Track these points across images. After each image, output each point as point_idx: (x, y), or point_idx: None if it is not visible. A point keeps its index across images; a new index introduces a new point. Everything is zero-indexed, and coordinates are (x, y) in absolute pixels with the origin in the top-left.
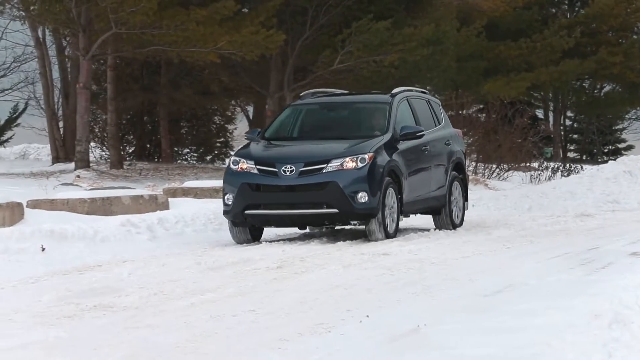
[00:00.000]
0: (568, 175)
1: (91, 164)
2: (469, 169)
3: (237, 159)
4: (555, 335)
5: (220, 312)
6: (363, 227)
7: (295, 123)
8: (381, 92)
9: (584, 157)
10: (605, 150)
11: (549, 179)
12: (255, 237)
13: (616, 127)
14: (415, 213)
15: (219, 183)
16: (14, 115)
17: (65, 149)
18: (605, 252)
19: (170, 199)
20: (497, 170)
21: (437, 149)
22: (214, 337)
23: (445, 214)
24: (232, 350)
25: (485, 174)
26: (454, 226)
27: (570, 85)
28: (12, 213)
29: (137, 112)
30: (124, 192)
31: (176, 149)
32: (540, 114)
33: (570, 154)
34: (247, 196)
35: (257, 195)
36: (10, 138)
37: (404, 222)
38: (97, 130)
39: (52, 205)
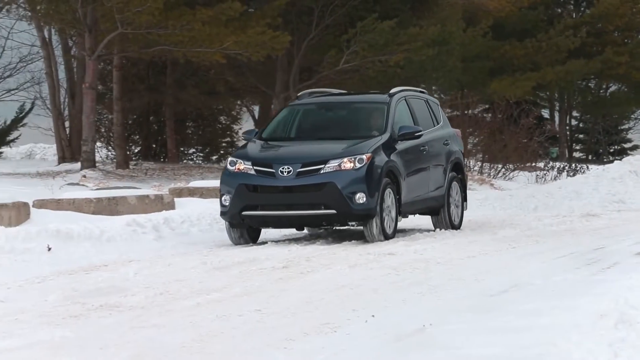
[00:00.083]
0: (574, 175)
1: (97, 164)
2: (474, 168)
3: (234, 159)
4: (561, 335)
5: (226, 311)
6: (361, 228)
7: (293, 123)
8: (379, 92)
9: (590, 157)
10: (611, 150)
11: (555, 178)
12: (252, 238)
13: (622, 127)
14: (414, 214)
15: None
16: (20, 115)
17: (72, 149)
18: (611, 252)
19: (176, 199)
20: (503, 170)
21: (436, 149)
22: (220, 337)
23: (444, 214)
24: (238, 349)
25: (491, 174)
26: (453, 227)
27: (576, 85)
28: (18, 213)
29: (143, 112)
30: (130, 192)
31: (182, 148)
32: (546, 113)
33: (576, 154)
34: (244, 197)
35: (254, 196)
36: (17, 138)
37: (411, 222)
38: (103, 130)
39: (58, 205)
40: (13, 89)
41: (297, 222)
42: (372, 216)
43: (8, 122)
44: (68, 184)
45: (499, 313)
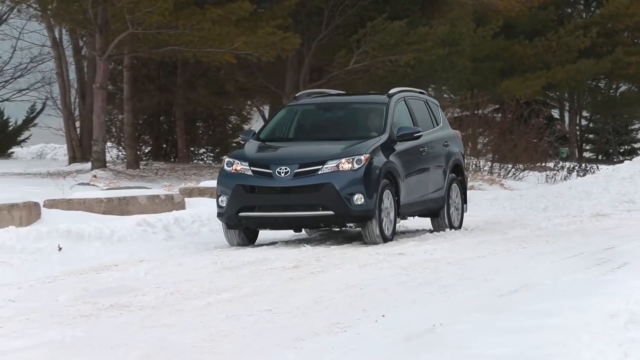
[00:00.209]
0: (584, 175)
1: (108, 164)
2: (484, 168)
3: (231, 160)
4: (571, 335)
5: (236, 311)
6: (359, 229)
7: (291, 124)
8: (378, 92)
9: (600, 157)
10: (621, 150)
11: (565, 178)
12: (250, 239)
13: (632, 127)
14: (413, 215)
15: None
16: (31, 116)
17: (82, 149)
18: (621, 252)
19: (186, 199)
20: (513, 170)
21: (435, 151)
22: (230, 337)
23: (443, 216)
24: (248, 349)
25: (501, 174)
26: (452, 229)
27: (586, 85)
28: (29, 213)
29: (154, 112)
30: (141, 192)
31: (192, 148)
32: (556, 114)
33: (586, 154)
34: (241, 198)
35: (251, 197)
36: (28, 138)
37: (420, 222)
38: (113, 130)
39: (68, 205)
40: (24, 89)
41: (294, 224)
42: (371, 217)
43: (19, 122)
44: (79, 184)
45: (509, 313)
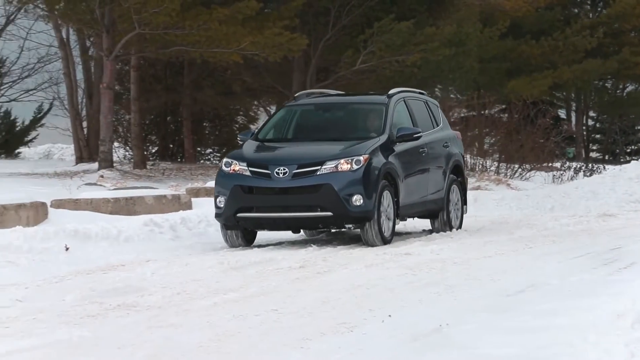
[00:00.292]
0: (590, 175)
1: (114, 164)
2: (491, 169)
3: (230, 160)
4: (577, 335)
5: (243, 311)
6: (358, 231)
7: (290, 124)
8: (377, 92)
9: (607, 157)
10: (628, 150)
11: (572, 179)
12: (248, 240)
13: (639, 127)
14: (413, 217)
15: None
16: (38, 116)
17: (89, 149)
18: (628, 252)
19: (193, 199)
20: (520, 170)
21: (435, 151)
22: (236, 337)
23: (443, 218)
24: (254, 349)
25: (508, 174)
26: (452, 230)
27: (593, 85)
28: (36, 213)
29: (160, 112)
30: (147, 192)
31: (199, 149)
32: (562, 114)
33: (593, 154)
34: (239, 199)
35: (249, 197)
36: (35, 138)
37: (426, 222)
38: (120, 130)
39: (75, 205)
40: (31, 90)
41: (293, 225)
42: (370, 219)
43: (26, 123)
44: (86, 184)
45: (515, 313)
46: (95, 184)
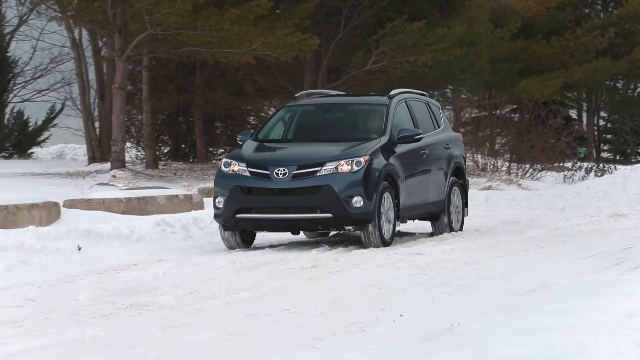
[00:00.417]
0: (601, 175)
1: (127, 164)
2: (502, 169)
3: (229, 161)
4: (588, 335)
5: (254, 311)
6: (358, 232)
7: (290, 124)
8: (378, 93)
9: (618, 157)
10: (639, 150)
11: (583, 179)
12: (247, 241)
13: None
14: (413, 219)
15: None
16: (51, 116)
17: (101, 149)
18: (639, 252)
19: (205, 199)
20: (531, 170)
21: (436, 153)
22: (248, 336)
23: (443, 220)
24: (266, 349)
25: (519, 174)
26: (453, 232)
27: (604, 85)
28: (48, 213)
29: (172, 113)
30: (159, 192)
31: (211, 149)
32: (573, 114)
33: (604, 154)
34: (238, 199)
35: (248, 198)
36: (47, 138)
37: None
38: (132, 130)
39: (88, 205)
40: (44, 90)
41: (292, 226)
42: (370, 220)
43: (39, 123)
44: (98, 184)
45: (526, 313)
46: (107, 184)
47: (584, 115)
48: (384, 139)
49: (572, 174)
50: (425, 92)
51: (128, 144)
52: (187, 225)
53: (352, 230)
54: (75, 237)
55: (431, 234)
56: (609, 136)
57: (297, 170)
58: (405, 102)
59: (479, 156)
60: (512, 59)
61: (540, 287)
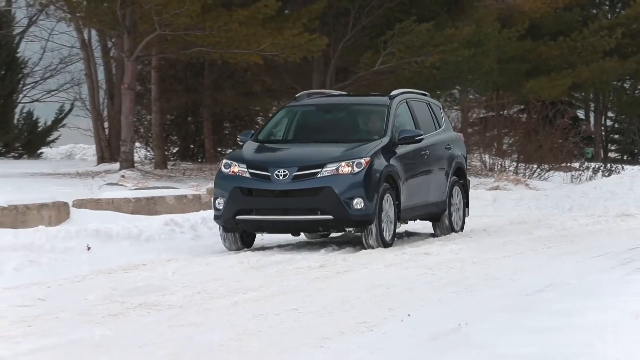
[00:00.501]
0: (609, 175)
1: (136, 164)
2: (509, 169)
3: (229, 162)
4: (596, 335)
5: (263, 310)
6: (359, 234)
7: (290, 125)
8: (379, 93)
9: (625, 157)
10: None
11: (590, 179)
12: (246, 243)
13: None
14: (414, 219)
15: None
16: (60, 116)
17: (110, 149)
18: None
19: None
20: (538, 170)
21: (437, 154)
22: (257, 336)
23: (444, 220)
24: (274, 348)
25: (526, 174)
26: (453, 233)
27: (611, 85)
28: (58, 212)
29: (181, 113)
30: (168, 192)
31: (219, 149)
32: (581, 114)
33: (611, 154)
34: (238, 201)
35: (248, 200)
36: (57, 139)
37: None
38: (141, 130)
39: (97, 204)
40: (53, 90)
41: (292, 228)
42: (370, 222)
43: (48, 123)
44: (107, 184)
45: (534, 312)
46: (116, 184)
47: (592, 115)
48: (384, 140)
49: (580, 174)
50: (433, 92)
51: (137, 144)
52: (195, 225)
53: (352, 231)
54: (85, 237)
55: (432, 235)
56: (616, 136)
57: (297, 171)
58: (407, 102)
59: (487, 156)
60: (519, 59)
61: (548, 286)
